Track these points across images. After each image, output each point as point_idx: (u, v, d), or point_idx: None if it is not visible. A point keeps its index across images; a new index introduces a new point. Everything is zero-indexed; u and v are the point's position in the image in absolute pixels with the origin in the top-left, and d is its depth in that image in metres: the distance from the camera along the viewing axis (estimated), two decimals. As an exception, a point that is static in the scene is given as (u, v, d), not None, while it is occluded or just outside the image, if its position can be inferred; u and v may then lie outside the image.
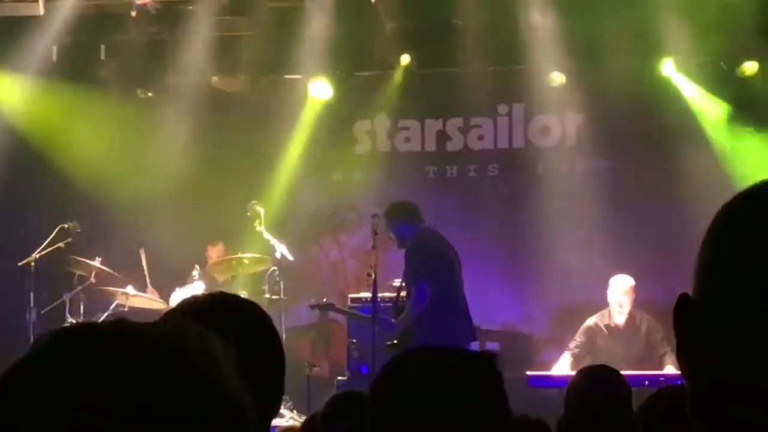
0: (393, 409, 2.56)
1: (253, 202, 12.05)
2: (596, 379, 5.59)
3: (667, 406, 3.79)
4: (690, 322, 1.30)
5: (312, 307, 11.66)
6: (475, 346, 10.29)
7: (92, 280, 11.86)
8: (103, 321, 1.37)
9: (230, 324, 2.58)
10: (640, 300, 11.44)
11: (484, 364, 2.65)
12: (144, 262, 12.56)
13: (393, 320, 10.20)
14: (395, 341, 10.03)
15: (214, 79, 13.51)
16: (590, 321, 11.41)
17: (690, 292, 1.32)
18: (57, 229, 11.80)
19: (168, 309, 11.06)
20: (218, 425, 1.31)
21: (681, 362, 1.32)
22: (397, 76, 13.37)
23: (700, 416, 1.29)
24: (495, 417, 2.61)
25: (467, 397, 2.58)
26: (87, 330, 1.33)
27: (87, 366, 1.26)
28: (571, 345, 11.35)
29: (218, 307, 2.69)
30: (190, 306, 2.72)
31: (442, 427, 2.53)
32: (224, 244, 12.77)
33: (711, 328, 1.26)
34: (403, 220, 10.13)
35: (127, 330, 1.34)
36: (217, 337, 1.38)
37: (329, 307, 11.41)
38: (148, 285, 12.47)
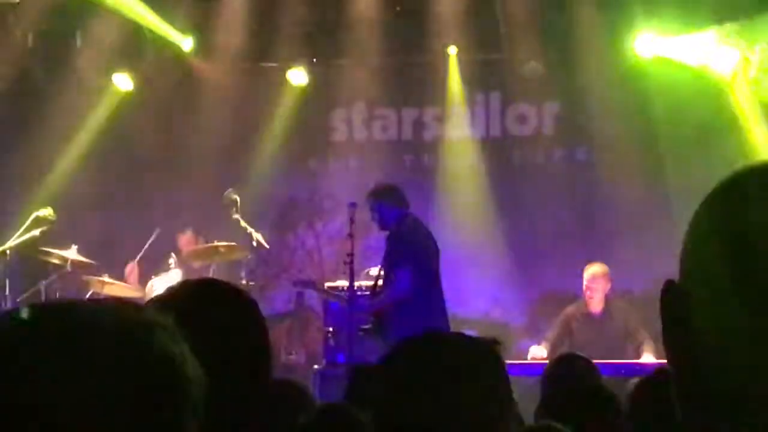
0: (402, 389, 2.57)
1: (229, 189, 12.02)
2: (568, 367, 5.63)
3: (654, 393, 3.80)
4: (675, 308, 1.30)
5: (295, 284, 11.67)
6: (451, 333, 10.30)
7: (68, 268, 11.81)
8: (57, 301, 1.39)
9: (216, 311, 2.58)
10: (618, 289, 11.47)
11: (489, 348, 2.67)
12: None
13: (367, 302, 10.23)
14: (369, 326, 10.04)
15: (192, 60, 13.45)
16: (568, 310, 11.44)
17: (675, 279, 1.33)
18: (32, 217, 11.74)
19: (145, 298, 11.06)
20: (155, 386, 1.32)
21: (666, 347, 1.33)
22: (375, 64, 13.36)
23: (685, 401, 1.30)
24: (502, 397, 2.65)
25: (475, 378, 2.60)
26: (42, 310, 1.35)
27: (40, 344, 1.28)
28: (549, 334, 11.37)
29: (206, 294, 2.67)
30: (176, 293, 2.70)
31: (449, 407, 2.55)
32: (193, 231, 12.73)
33: (695, 314, 1.27)
34: (389, 202, 10.12)
35: (81, 308, 1.35)
36: (171, 319, 1.39)
37: (312, 285, 11.40)
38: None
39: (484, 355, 2.68)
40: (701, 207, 1.31)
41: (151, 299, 2.72)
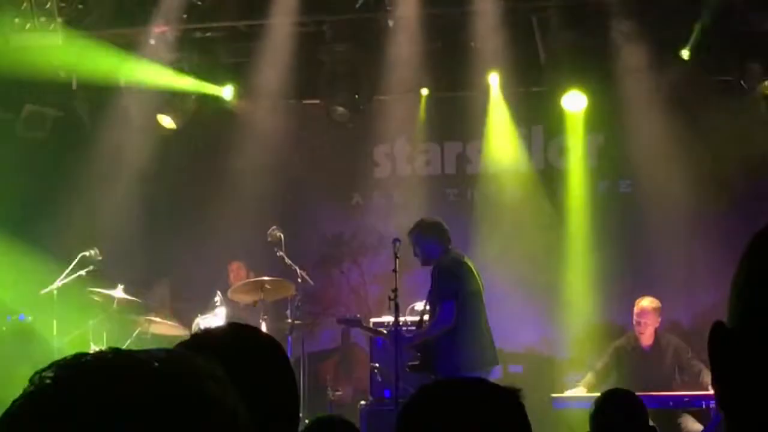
0: None
1: (273, 227, 12.06)
2: (618, 402, 5.63)
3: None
4: (725, 350, 1.29)
5: (339, 321, 11.66)
6: (497, 370, 10.28)
7: (114, 307, 11.87)
8: (100, 351, 1.37)
9: (244, 356, 2.58)
10: (665, 322, 11.41)
11: (508, 398, 2.67)
12: (166, 292, 12.56)
13: (409, 335, 10.23)
14: (417, 363, 10.04)
15: (234, 103, 13.52)
16: (617, 342, 11.41)
17: (722, 317, 1.32)
18: (78, 258, 11.82)
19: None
20: None
21: (716, 391, 1.31)
22: (417, 99, 13.39)
23: None
24: None
25: (492, 429, 2.60)
26: (85, 360, 1.34)
27: (87, 393, 1.27)
28: (597, 364, 11.33)
29: (231, 339, 2.69)
30: (202, 338, 2.72)
31: None
32: (244, 262, 12.79)
33: (747, 358, 1.25)
34: (433, 238, 10.14)
35: (126, 359, 1.34)
36: (218, 363, 1.38)
37: (356, 323, 11.37)
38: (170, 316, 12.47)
39: (505, 406, 2.68)
40: (749, 248, 1.30)
41: (181, 343, 2.73)
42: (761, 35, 11.82)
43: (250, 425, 1.38)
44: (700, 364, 10.76)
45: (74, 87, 13.30)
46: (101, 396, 1.28)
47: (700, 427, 10.35)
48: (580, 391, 10.94)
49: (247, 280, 12.28)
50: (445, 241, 10.15)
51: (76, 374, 1.32)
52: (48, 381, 1.32)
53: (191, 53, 13.05)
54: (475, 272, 10.19)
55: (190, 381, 1.33)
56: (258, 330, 2.90)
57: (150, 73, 12.97)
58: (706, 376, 10.61)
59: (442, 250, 10.10)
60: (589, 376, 11.18)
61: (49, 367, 1.34)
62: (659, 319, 11.18)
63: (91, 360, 1.35)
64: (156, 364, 1.34)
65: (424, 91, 13.36)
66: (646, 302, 11.20)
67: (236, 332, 2.77)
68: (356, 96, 13.16)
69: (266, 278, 11.94)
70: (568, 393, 11.08)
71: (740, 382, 1.26)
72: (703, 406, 10.35)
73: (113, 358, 1.35)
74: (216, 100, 13.40)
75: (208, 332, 2.85)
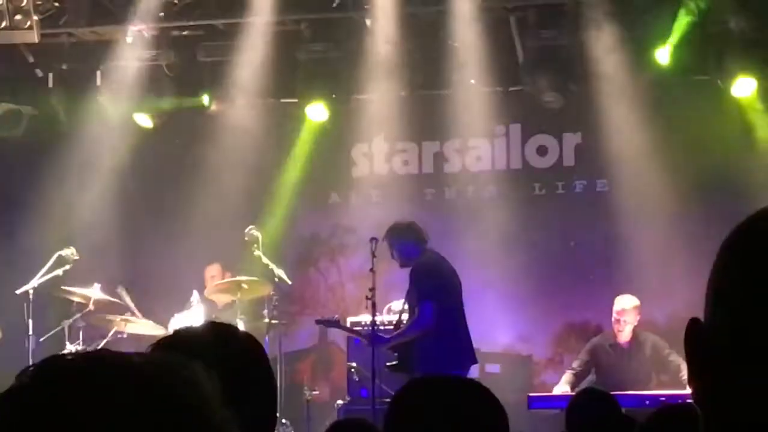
0: None
1: (250, 227, 12.04)
2: (591, 401, 5.67)
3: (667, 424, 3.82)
4: (700, 347, 1.29)
5: (317, 322, 11.65)
6: (475, 369, 10.29)
7: (91, 307, 11.82)
8: (83, 352, 1.36)
9: (222, 354, 2.57)
10: (641, 320, 11.44)
11: (485, 393, 2.75)
12: (127, 299, 12.47)
13: (387, 336, 10.24)
14: (395, 362, 10.04)
15: (210, 103, 13.49)
16: (594, 340, 11.43)
17: (699, 316, 1.32)
18: (54, 257, 11.77)
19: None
20: None
21: (693, 388, 1.32)
22: (395, 99, 13.37)
23: None
24: None
25: (470, 424, 2.66)
26: (67, 362, 1.33)
27: (66, 398, 1.26)
28: (575, 364, 11.36)
29: (209, 338, 2.68)
30: (181, 336, 2.72)
31: None
32: (221, 264, 12.76)
33: (722, 355, 1.26)
34: (409, 240, 10.15)
35: (108, 360, 1.33)
36: (200, 365, 1.37)
37: (334, 323, 11.36)
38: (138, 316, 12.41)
39: (483, 400, 2.77)
40: (722, 249, 1.31)
41: (161, 340, 2.72)
42: (738, 34, 11.85)
43: (233, 427, 1.37)
44: (679, 360, 10.78)
45: (50, 85, 13.25)
46: (78, 396, 1.27)
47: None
48: (565, 388, 10.95)
49: (224, 280, 12.26)
50: (422, 241, 10.17)
51: (56, 374, 1.31)
52: (27, 380, 1.31)
53: (168, 52, 13.03)
54: (453, 272, 10.20)
55: (172, 382, 1.32)
56: (236, 328, 2.90)
57: (127, 72, 12.94)
58: (685, 373, 10.63)
59: (420, 251, 10.11)
60: (569, 376, 11.21)
61: (31, 367, 1.34)
62: (638, 317, 11.21)
63: (74, 360, 1.34)
64: (138, 364, 1.33)
65: (402, 91, 13.34)
66: (627, 300, 11.23)
67: (216, 330, 2.76)
68: (333, 95, 13.15)
69: (243, 278, 11.93)
70: (556, 390, 11.08)
71: (715, 378, 1.27)
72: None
73: (94, 358, 1.34)
74: (193, 101, 13.38)
75: (188, 331, 2.85)
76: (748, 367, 1.23)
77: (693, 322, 1.32)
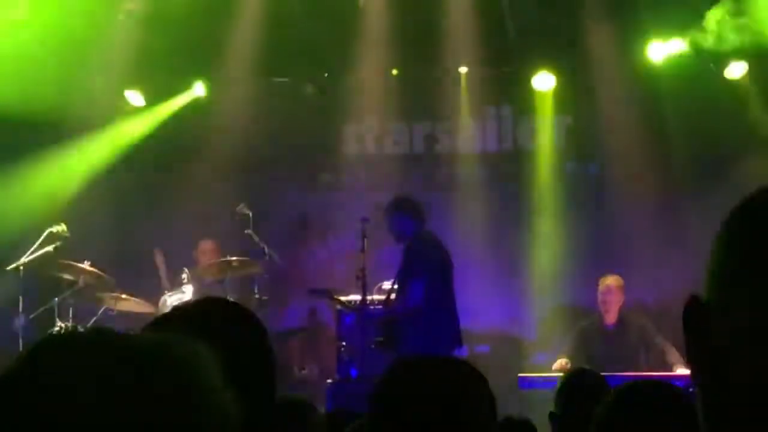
0: (392, 413, 2.65)
1: (241, 204, 12.04)
2: (582, 381, 5.67)
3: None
4: (698, 322, 1.29)
5: (310, 292, 11.67)
6: (463, 350, 10.31)
7: (81, 284, 11.81)
8: (85, 329, 1.37)
9: (221, 330, 2.58)
10: (631, 301, 11.46)
11: (475, 373, 2.78)
12: (162, 265, 12.52)
13: (378, 310, 10.26)
14: (382, 339, 10.05)
15: (200, 82, 13.47)
16: (582, 323, 11.44)
17: (690, 291, 1.32)
18: (45, 233, 11.75)
19: (158, 314, 11.05)
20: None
21: (691, 366, 1.31)
22: (387, 79, 13.36)
23: (709, 415, 1.29)
24: (480, 419, 2.72)
25: (456, 403, 2.68)
26: (69, 339, 1.34)
27: (68, 375, 1.27)
28: (565, 348, 11.37)
29: (209, 313, 2.68)
30: (181, 312, 2.72)
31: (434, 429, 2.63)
32: (214, 241, 12.73)
33: (718, 329, 1.26)
34: (408, 215, 10.15)
35: (109, 338, 1.34)
36: (202, 344, 1.38)
37: (326, 294, 11.38)
38: (166, 286, 12.40)
39: (464, 380, 2.79)
40: (725, 224, 1.30)
41: (158, 318, 2.72)
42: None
43: (233, 407, 1.38)
44: (666, 343, 10.81)
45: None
46: (77, 376, 1.28)
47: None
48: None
49: (214, 261, 12.26)
50: (419, 219, 10.17)
51: (55, 354, 1.31)
52: (25, 362, 1.32)
53: (159, 29, 12.98)
54: (446, 253, 10.21)
55: (172, 362, 1.32)
56: (235, 303, 2.89)
57: (118, 49, 12.91)
58: (671, 355, 10.68)
59: (415, 228, 10.11)
60: (562, 361, 11.21)
61: (29, 348, 1.34)
62: (623, 298, 11.22)
63: (73, 340, 1.34)
64: (138, 343, 1.34)
65: (394, 71, 13.33)
66: (610, 280, 11.24)
67: (213, 305, 2.76)
68: (326, 75, 13.13)
69: (233, 258, 11.94)
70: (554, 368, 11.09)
71: (712, 354, 1.27)
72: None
73: (93, 338, 1.34)
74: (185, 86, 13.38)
75: (186, 306, 2.84)
76: (756, 345, 1.22)
77: (692, 299, 1.31)
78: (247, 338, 2.64)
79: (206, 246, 12.71)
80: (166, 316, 2.72)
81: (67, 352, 1.31)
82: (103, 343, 1.33)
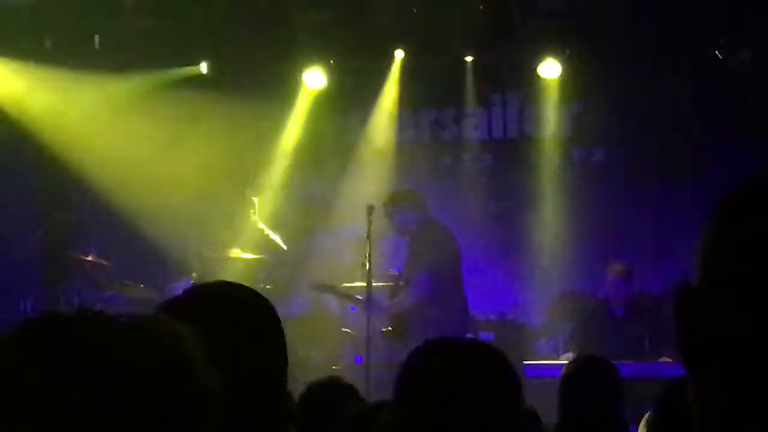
0: (419, 397, 2.65)
1: (247, 191, 12.04)
2: (587, 369, 5.63)
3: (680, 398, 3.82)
4: (690, 311, 1.29)
5: (313, 287, 11.68)
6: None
7: (86, 270, 11.82)
8: (70, 311, 1.37)
9: (230, 313, 2.57)
10: (636, 289, 11.44)
11: (501, 357, 2.79)
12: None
13: (384, 303, 10.25)
14: (390, 327, 10.05)
15: (206, 67, 13.46)
16: (588, 309, 11.42)
17: (689, 279, 1.31)
18: (50, 220, 11.76)
19: (162, 300, 11.05)
20: (180, 407, 1.32)
21: (681, 351, 1.31)
22: (392, 66, 13.34)
23: (702, 406, 1.29)
24: (510, 404, 2.73)
25: (485, 387, 2.68)
26: (50, 320, 1.34)
27: (47, 354, 1.28)
28: (571, 334, 11.36)
29: (218, 296, 2.66)
30: (186, 297, 2.69)
31: (464, 415, 2.62)
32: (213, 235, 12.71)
33: (712, 319, 1.25)
34: (407, 208, 10.13)
35: (95, 318, 1.34)
36: (185, 325, 1.39)
37: (330, 288, 11.39)
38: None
39: (495, 365, 2.79)
40: (714, 212, 1.30)
41: (164, 303, 2.70)
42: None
43: (216, 386, 1.38)
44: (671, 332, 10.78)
45: (47, 48, 13.19)
46: (65, 351, 1.28)
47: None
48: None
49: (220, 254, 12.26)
50: (420, 210, 10.15)
51: (44, 330, 1.32)
52: (18, 334, 1.33)
53: (164, 17, 12.95)
54: (453, 239, 10.20)
55: (157, 342, 1.33)
56: (249, 289, 2.85)
57: (124, 35, 12.91)
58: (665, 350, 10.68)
59: (417, 219, 10.10)
60: (566, 346, 11.20)
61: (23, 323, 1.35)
62: (632, 286, 11.21)
63: (61, 317, 1.35)
64: (124, 323, 1.34)
65: (399, 55, 13.27)
66: (620, 268, 11.22)
67: (227, 289, 2.74)
68: (331, 61, 13.12)
69: (235, 255, 11.96)
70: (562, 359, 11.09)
71: (703, 344, 1.27)
72: (674, 375, 10.36)
73: (81, 316, 1.35)
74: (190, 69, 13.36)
75: (200, 288, 2.81)
76: (741, 331, 1.23)
77: (682, 286, 1.31)
78: (256, 321, 2.62)
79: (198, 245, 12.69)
80: (171, 302, 2.70)
81: (55, 328, 1.32)
82: (90, 321, 1.34)
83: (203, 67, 13.36)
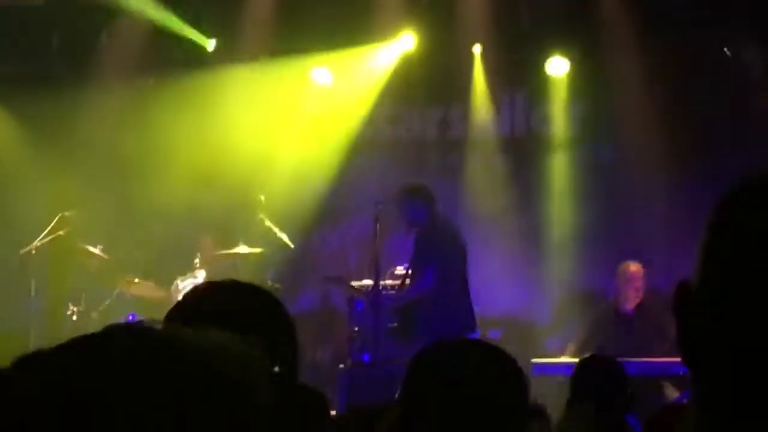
0: (426, 398, 2.66)
1: (253, 189, 12.05)
2: (596, 368, 5.64)
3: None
4: (690, 310, 1.29)
5: (324, 279, 11.71)
6: (476, 334, 10.30)
7: (93, 268, 11.84)
8: (153, 330, 1.37)
9: (246, 313, 2.54)
10: (647, 287, 11.42)
11: (507, 358, 2.81)
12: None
13: (390, 295, 10.29)
14: (396, 325, 10.05)
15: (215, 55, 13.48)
16: (598, 308, 11.41)
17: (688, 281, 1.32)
18: (57, 218, 11.77)
19: (170, 298, 11.04)
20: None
21: (681, 350, 1.32)
22: (399, 62, 13.34)
23: (702, 404, 1.29)
24: (517, 405, 2.69)
25: (492, 388, 2.70)
26: (117, 343, 1.33)
27: (119, 385, 1.27)
28: (578, 333, 11.35)
29: (233, 297, 2.63)
30: (206, 298, 2.65)
31: (471, 414, 2.62)
32: (211, 238, 12.66)
33: (711, 318, 1.26)
34: (419, 202, 10.13)
35: (162, 342, 1.33)
36: (256, 349, 1.38)
37: (340, 281, 11.41)
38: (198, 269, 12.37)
39: (503, 366, 2.81)
40: (713, 211, 1.31)
41: (179, 303, 2.66)
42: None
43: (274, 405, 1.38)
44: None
45: (54, 48, 13.20)
46: (131, 382, 1.27)
47: (678, 394, 10.38)
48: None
49: (216, 253, 12.26)
50: (431, 205, 10.14)
51: (105, 358, 1.31)
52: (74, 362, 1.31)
53: (174, 5, 12.96)
54: (459, 236, 10.19)
55: (230, 369, 1.32)
56: (261, 288, 2.81)
57: (133, 28, 12.92)
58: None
59: (427, 214, 10.09)
60: (572, 346, 11.19)
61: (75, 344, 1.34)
62: (643, 285, 11.20)
63: (125, 341, 1.33)
64: (195, 348, 1.33)
65: (407, 46, 13.24)
66: (632, 267, 11.20)
67: (255, 295, 2.70)
68: (339, 56, 13.13)
69: (233, 251, 11.97)
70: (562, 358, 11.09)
71: (703, 343, 1.27)
72: (682, 373, 10.36)
73: (149, 340, 1.34)
74: (198, 52, 13.34)
75: (212, 289, 2.76)
76: (737, 329, 1.24)
77: (681, 285, 1.33)
78: (275, 322, 2.60)
79: (206, 242, 12.69)
80: (191, 302, 2.65)
81: (118, 355, 1.31)
82: (157, 346, 1.33)
83: (211, 44, 13.36)
